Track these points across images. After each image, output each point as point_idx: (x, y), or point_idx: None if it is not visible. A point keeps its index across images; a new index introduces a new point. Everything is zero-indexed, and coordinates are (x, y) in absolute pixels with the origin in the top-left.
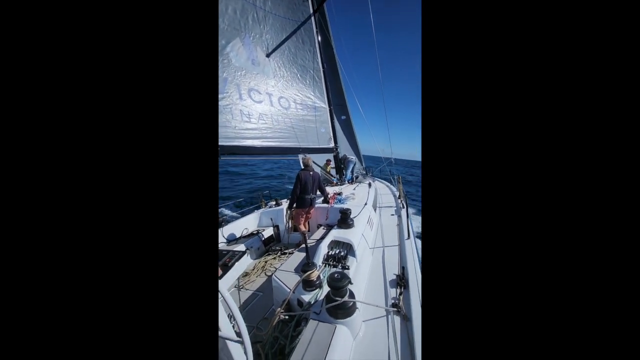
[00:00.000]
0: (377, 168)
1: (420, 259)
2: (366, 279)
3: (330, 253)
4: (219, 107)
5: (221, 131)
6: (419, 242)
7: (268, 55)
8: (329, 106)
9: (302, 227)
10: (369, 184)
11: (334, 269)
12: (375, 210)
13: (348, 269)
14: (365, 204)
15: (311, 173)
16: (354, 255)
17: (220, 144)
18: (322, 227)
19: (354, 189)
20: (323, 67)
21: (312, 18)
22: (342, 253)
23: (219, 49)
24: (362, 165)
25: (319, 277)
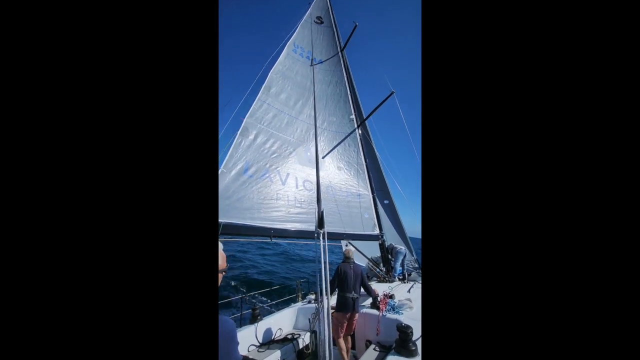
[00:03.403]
0: None
1: None
2: None
3: None
4: (280, 195)
5: (273, 215)
6: None
7: (323, 157)
8: (372, 193)
9: (342, 342)
10: None
11: None
12: None
13: None
14: None
15: (352, 266)
16: None
17: (272, 226)
18: (373, 346)
19: (409, 290)
20: (366, 161)
21: (357, 130)
22: None
23: (287, 154)
24: (413, 256)
25: None
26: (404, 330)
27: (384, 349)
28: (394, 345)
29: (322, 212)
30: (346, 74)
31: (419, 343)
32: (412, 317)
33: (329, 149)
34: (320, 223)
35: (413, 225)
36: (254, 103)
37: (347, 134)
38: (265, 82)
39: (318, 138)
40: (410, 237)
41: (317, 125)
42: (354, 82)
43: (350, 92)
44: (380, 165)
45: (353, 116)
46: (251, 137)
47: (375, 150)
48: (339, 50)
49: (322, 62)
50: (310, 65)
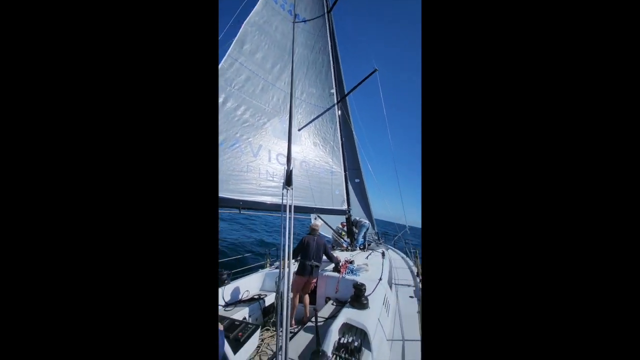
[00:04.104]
0: (393, 238)
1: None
2: None
3: (342, 341)
4: (252, 167)
5: (246, 187)
6: None
7: (299, 130)
8: (345, 171)
9: (296, 300)
10: (382, 253)
11: None
12: (390, 287)
13: None
14: (380, 279)
15: (315, 238)
16: (369, 348)
17: (242, 198)
18: (332, 301)
19: (367, 257)
20: (342, 140)
21: (336, 106)
22: (355, 343)
23: (261, 125)
24: (374, 230)
25: None
26: (359, 287)
27: (340, 304)
28: (349, 299)
29: (291, 170)
30: (331, 41)
31: (370, 298)
32: (367, 278)
33: (306, 122)
34: (288, 180)
35: (378, 204)
36: (224, 60)
37: (326, 109)
38: (238, 34)
39: (296, 110)
40: (397, 224)
41: (297, 96)
42: (338, 51)
43: (334, 62)
44: (356, 145)
45: (334, 90)
46: (220, 100)
47: (353, 129)
48: (325, 11)
49: (305, 22)
50: (292, 22)
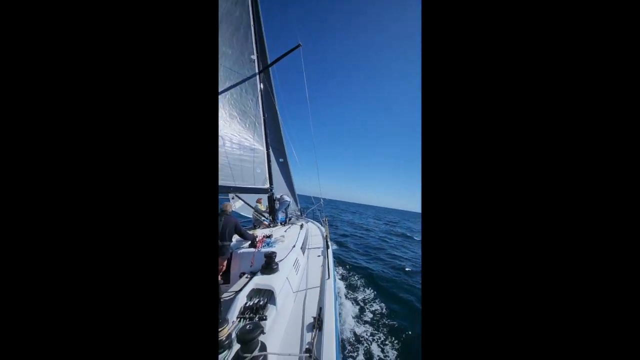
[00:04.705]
0: (309, 209)
1: (337, 296)
2: (285, 326)
3: (248, 304)
4: None
5: None
6: (340, 283)
7: None
8: (267, 149)
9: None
10: (301, 226)
11: (248, 322)
12: (304, 252)
13: (265, 319)
14: (294, 246)
15: (223, 218)
16: (274, 303)
17: None
18: (246, 275)
19: (285, 231)
20: (264, 115)
21: (257, 77)
22: (261, 302)
23: None
24: (297, 206)
25: (229, 335)
26: (269, 255)
27: (254, 275)
28: (261, 268)
29: None
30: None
31: (281, 264)
32: (282, 247)
33: (221, 89)
34: None
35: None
36: None
37: (245, 77)
38: None
39: None
40: (301, 196)
41: None
42: (261, 14)
43: (255, 24)
44: (280, 122)
45: (255, 57)
46: None
47: (277, 105)
48: None
49: None
50: None
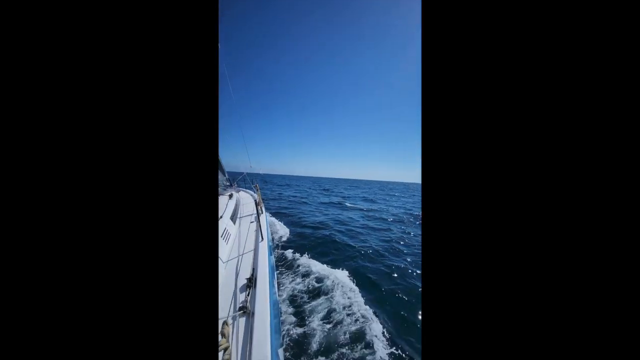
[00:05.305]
0: (239, 178)
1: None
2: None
3: None
4: None
5: None
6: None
7: None
8: None
9: None
10: (230, 195)
11: None
12: (235, 222)
13: None
14: (221, 217)
15: None
16: None
17: None
18: None
19: None
20: None
21: None
22: None
23: None
24: (225, 176)
25: None
26: None
27: None
28: None
29: None
30: None
31: None
32: None
33: None
34: None
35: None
36: None
37: None
38: None
39: None
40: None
41: None
42: None
43: None
44: None
45: None
46: None
47: None
48: None
49: None
50: None
